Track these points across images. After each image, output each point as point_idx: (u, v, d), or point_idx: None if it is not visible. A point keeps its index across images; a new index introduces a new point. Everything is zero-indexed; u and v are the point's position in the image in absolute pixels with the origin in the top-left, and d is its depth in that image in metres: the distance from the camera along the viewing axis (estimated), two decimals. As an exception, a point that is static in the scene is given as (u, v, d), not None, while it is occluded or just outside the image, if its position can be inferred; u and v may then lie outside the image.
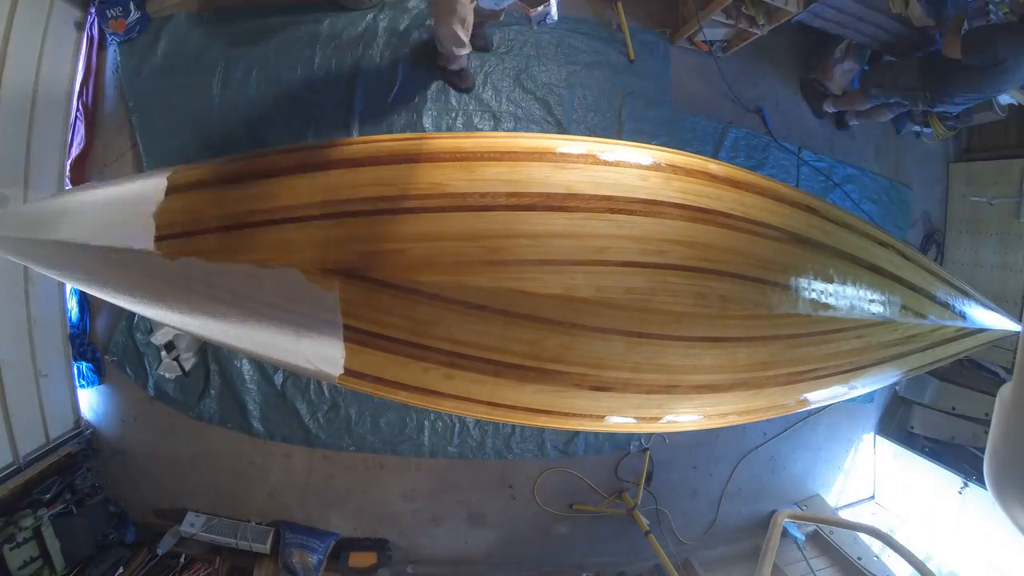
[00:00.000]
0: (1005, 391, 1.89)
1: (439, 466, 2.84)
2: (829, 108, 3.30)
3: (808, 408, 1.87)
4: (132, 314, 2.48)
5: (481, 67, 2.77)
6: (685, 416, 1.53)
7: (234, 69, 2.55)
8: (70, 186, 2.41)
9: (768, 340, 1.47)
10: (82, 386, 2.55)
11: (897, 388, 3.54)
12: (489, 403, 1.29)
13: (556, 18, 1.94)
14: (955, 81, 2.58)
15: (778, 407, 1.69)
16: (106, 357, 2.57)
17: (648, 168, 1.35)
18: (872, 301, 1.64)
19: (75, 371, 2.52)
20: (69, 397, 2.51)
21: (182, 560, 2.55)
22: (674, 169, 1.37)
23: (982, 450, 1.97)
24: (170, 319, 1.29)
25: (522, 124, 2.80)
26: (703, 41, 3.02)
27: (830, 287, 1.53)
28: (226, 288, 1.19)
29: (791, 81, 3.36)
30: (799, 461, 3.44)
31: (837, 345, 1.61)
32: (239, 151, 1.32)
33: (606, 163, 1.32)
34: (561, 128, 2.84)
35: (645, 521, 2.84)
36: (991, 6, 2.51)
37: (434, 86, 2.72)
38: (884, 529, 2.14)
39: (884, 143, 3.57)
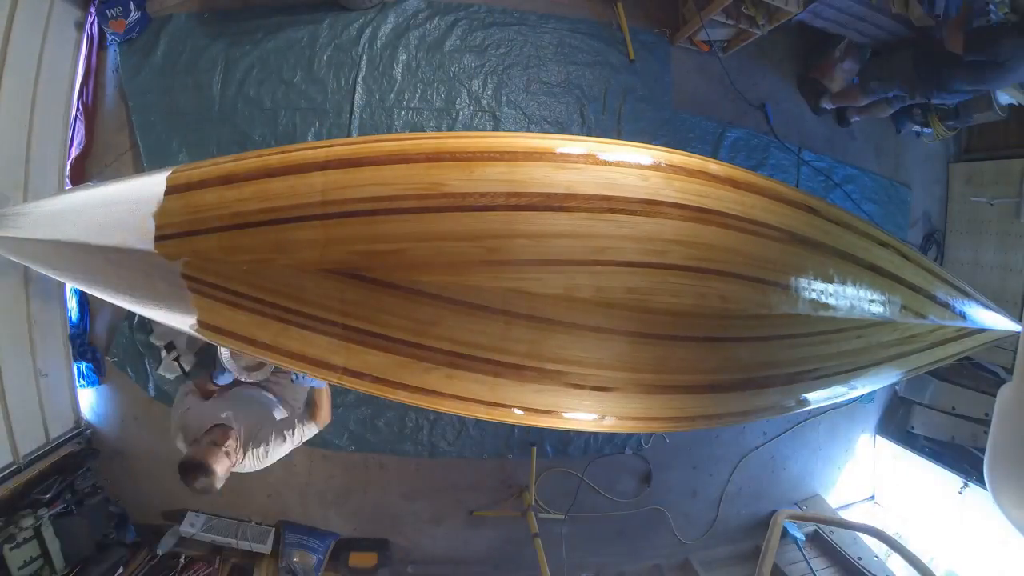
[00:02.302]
0: (1005, 391, 1.89)
1: (439, 466, 2.84)
2: (827, 105, 3.30)
3: (808, 408, 1.87)
4: (132, 314, 2.48)
5: (481, 67, 2.77)
6: (685, 415, 1.52)
7: (234, 69, 2.55)
8: (70, 186, 2.41)
9: (768, 340, 1.46)
10: (82, 386, 2.55)
11: (897, 388, 3.54)
12: (490, 403, 1.29)
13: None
14: (949, 74, 2.61)
15: (778, 407, 1.69)
16: (106, 357, 2.57)
17: (648, 168, 1.35)
18: (872, 301, 1.63)
19: (75, 371, 2.52)
20: (69, 397, 2.51)
21: (182, 560, 2.55)
22: (674, 169, 1.37)
23: (982, 450, 1.97)
24: (170, 319, 1.29)
25: (522, 124, 2.80)
26: (703, 41, 3.02)
27: (830, 287, 1.53)
28: (226, 288, 1.19)
29: (791, 81, 3.36)
30: (799, 461, 3.44)
31: (837, 345, 1.60)
32: (239, 151, 1.32)
33: (606, 163, 1.32)
34: (561, 128, 2.84)
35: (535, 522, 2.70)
36: (992, 6, 2.51)
37: (434, 86, 2.72)
38: (884, 529, 2.14)
39: (884, 143, 3.57)
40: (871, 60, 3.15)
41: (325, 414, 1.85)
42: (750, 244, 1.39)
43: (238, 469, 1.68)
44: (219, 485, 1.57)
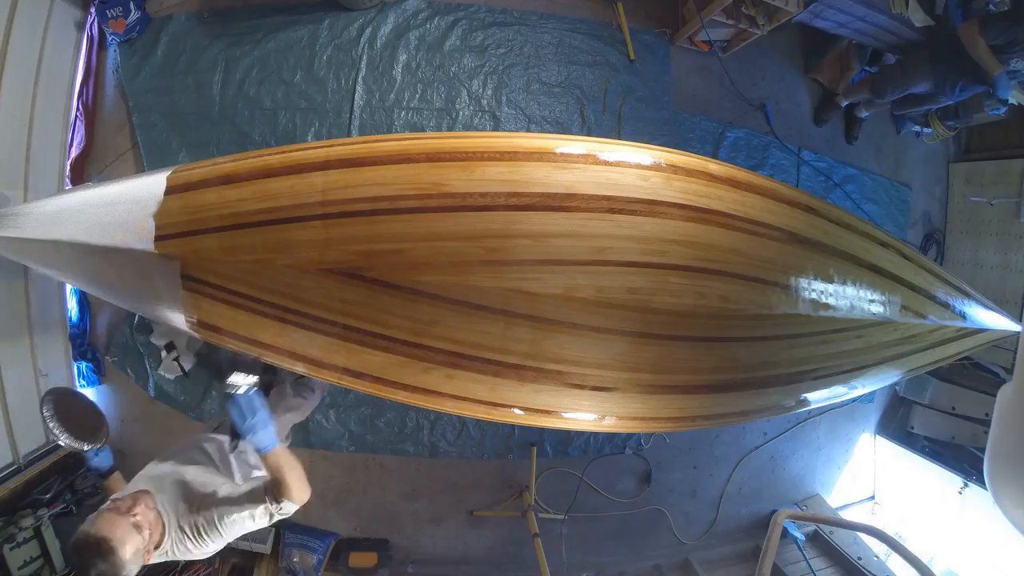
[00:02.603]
0: (1005, 391, 1.89)
1: (439, 466, 2.84)
2: (842, 102, 3.26)
3: (808, 408, 1.87)
4: (132, 314, 2.48)
5: (481, 67, 2.77)
6: (685, 415, 1.52)
7: (234, 69, 2.55)
8: (70, 186, 2.41)
9: (768, 340, 1.47)
10: (82, 386, 2.54)
11: (897, 388, 3.54)
12: (490, 403, 1.29)
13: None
14: (969, 67, 2.49)
15: (778, 407, 1.69)
16: (106, 357, 2.57)
17: (648, 168, 1.35)
18: (872, 301, 1.64)
19: (75, 371, 2.51)
20: (69, 397, 2.50)
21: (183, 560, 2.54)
22: (674, 169, 1.37)
23: (982, 450, 1.97)
24: (170, 319, 1.29)
25: (523, 124, 2.80)
26: (703, 41, 3.02)
27: (830, 287, 1.53)
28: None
29: (791, 81, 3.36)
30: (799, 461, 3.44)
31: (837, 345, 1.61)
32: (239, 151, 1.32)
33: (606, 163, 1.32)
34: (561, 128, 2.84)
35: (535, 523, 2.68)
36: (992, 6, 2.51)
37: (434, 86, 2.72)
38: (884, 529, 2.14)
39: (884, 143, 3.57)
40: (883, 68, 3.10)
41: (297, 488, 1.30)
42: (750, 244, 1.39)
43: (172, 553, 1.26)
44: (129, 573, 1.11)
